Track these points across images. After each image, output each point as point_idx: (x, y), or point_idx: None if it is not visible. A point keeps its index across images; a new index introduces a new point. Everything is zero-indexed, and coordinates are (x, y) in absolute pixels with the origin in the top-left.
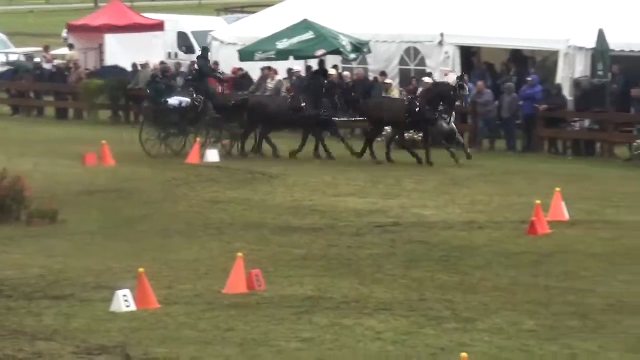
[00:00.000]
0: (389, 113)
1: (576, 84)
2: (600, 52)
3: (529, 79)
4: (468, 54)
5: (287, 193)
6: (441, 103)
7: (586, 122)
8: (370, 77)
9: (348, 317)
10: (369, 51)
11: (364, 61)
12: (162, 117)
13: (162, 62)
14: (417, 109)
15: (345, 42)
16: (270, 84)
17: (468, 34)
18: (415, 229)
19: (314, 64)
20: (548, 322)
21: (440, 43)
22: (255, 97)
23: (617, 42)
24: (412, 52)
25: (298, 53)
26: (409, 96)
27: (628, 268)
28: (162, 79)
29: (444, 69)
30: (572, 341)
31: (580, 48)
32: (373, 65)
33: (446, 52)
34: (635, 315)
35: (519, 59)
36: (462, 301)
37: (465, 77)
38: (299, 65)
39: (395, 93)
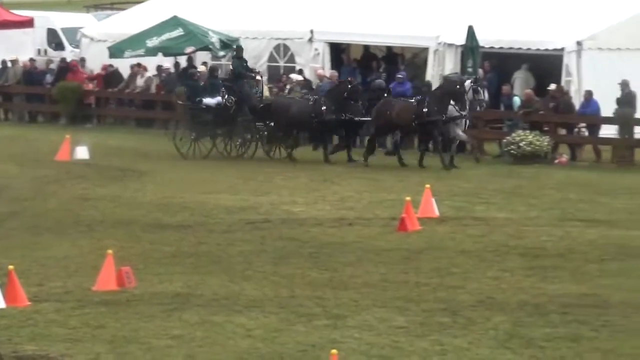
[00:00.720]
0: (397, 115)
1: (446, 80)
2: (470, 49)
3: (399, 76)
4: (338, 51)
5: (158, 190)
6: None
7: None
8: None
9: (218, 314)
10: None
11: None
12: (196, 117)
13: (31, 59)
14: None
15: (214, 39)
16: (140, 81)
17: (338, 31)
18: (285, 225)
19: (183, 61)
20: (418, 318)
21: (310, 40)
22: (279, 99)
23: (487, 38)
24: (282, 49)
25: (167, 50)
26: (418, 97)
27: (497, 265)
28: (197, 78)
29: (314, 66)
30: (443, 337)
31: (450, 45)
32: None
33: (316, 49)
34: (505, 312)
35: (389, 56)
36: (333, 298)
37: (481, 81)
38: (168, 62)
39: (265, 90)
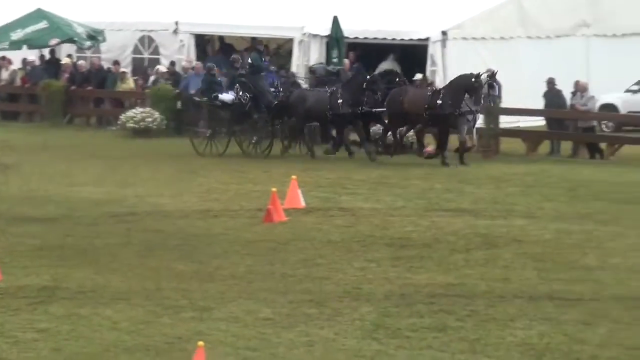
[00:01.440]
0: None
1: (311, 71)
2: (335, 40)
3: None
4: (203, 42)
5: (22, 183)
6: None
7: None
8: (105, 66)
9: (84, 307)
10: (104, 40)
11: (98, 50)
12: (212, 113)
13: None
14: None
15: (80, 31)
16: (4, 74)
17: (203, 22)
18: (151, 218)
19: (47, 53)
20: (285, 310)
21: (175, 31)
22: (298, 92)
23: (353, 29)
24: (147, 41)
25: (32, 43)
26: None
27: (363, 255)
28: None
29: (180, 57)
30: (309, 329)
31: (315, 35)
32: (107, 54)
33: (181, 41)
34: (371, 302)
35: (253, 46)
36: (199, 290)
37: (496, 76)
38: (33, 55)
39: (130, 82)
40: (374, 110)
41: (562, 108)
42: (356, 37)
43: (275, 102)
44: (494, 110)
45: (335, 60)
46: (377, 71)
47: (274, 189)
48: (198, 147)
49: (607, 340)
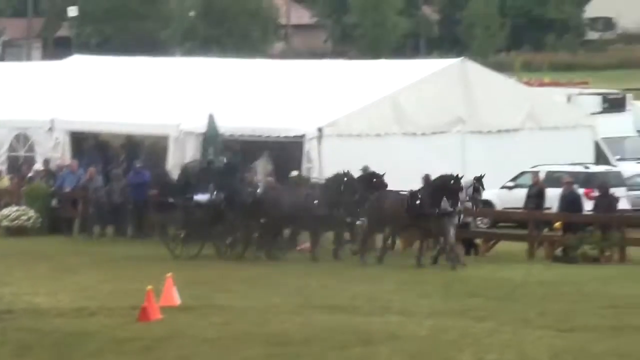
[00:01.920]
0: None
1: (186, 168)
2: (211, 137)
3: (137, 165)
4: (79, 140)
5: None
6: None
7: None
8: None
9: None
10: None
11: None
12: (186, 214)
13: None
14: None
15: None
16: None
17: (79, 120)
18: (27, 316)
19: None
20: None
21: (50, 129)
22: (270, 193)
23: (228, 126)
24: (22, 138)
25: None
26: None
27: (240, 352)
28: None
29: (55, 155)
30: None
31: (191, 133)
32: None
33: (57, 138)
34: None
35: (130, 144)
36: None
37: (482, 180)
38: None
39: (5, 181)
40: (348, 220)
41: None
42: (232, 134)
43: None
44: None
45: (211, 157)
46: (257, 168)
47: (149, 287)
48: (174, 250)
49: None
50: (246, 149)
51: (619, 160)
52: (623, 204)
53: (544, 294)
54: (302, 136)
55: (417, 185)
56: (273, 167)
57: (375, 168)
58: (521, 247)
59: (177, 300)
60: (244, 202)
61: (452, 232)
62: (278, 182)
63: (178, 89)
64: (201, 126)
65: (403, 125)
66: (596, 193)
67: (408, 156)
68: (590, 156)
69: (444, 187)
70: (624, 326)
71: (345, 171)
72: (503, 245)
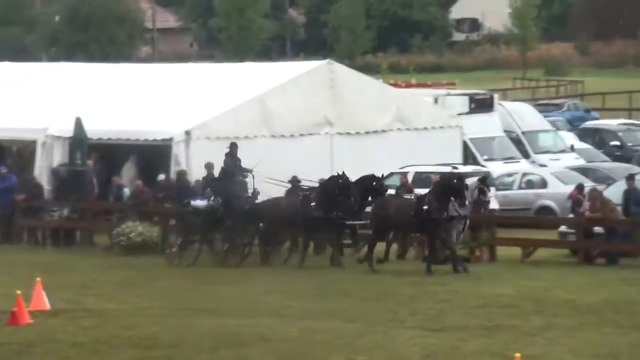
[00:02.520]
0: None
1: (54, 172)
2: (78, 141)
3: (3, 170)
4: None
5: None
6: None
7: (65, 211)
8: None
9: None
10: None
11: None
12: (184, 221)
13: None
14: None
15: None
16: None
17: None
18: None
19: None
20: None
21: None
22: (267, 202)
23: (95, 130)
24: None
25: None
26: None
27: (110, 357)
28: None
29: None
30: None
31: (58, 137)
32: None
33: None
34: None
35: None
36: None
37: (487, 181)
38: None
39: None
40: (347, 222)
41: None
42: (99, 138)
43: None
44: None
45: (78, 161)
46: (123, 172)
47: (18, 292)
48: (172, 259)
49: None
50: (116, 153)
51: (487, 160)
52: (492, 204)
53: (415, 294)
54: (170, 139)
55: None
56: (137, 170)
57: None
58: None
59: (47, 304)
60: (241, 208)
61: (454, 237)
62: (146, 186)
63: (45, 93)
64: (68, 130)
65: (271, 127)
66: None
67: (277, 158)
68: (458, 156)
69: (450, 189)
70: (494, 325)
71: (341, 173)
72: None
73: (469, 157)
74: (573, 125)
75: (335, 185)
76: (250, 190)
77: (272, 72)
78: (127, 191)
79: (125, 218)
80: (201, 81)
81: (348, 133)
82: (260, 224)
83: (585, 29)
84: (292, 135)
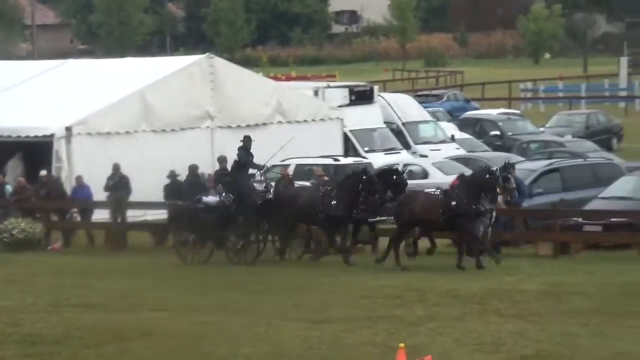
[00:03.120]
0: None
1: None
2: None
3: None
4: None
5: None
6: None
7: None
8: None
9: None
10: None
11: None
12: (194, 218)
13: None
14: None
15: None
16: None
17: None
18: None
19: None
20: None
21: None
22: (285, 191)
23: None
24: None
25: None
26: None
27: None
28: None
29: None
30: None
31: None
32: None
33: None
34: None
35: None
36: None
37: (512, 168)
38: None
39: None
40: (369, 220)
41: (184, 200)
42: None
43: (260, 202)
44: (122, 205)
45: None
46: (7, 168)
47: None
48: (186, 257)
49: None
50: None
51: (368, 151)
52: None
53: (300, 286)
54: (51, 135)
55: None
56: (23, 167)
57: (126, 166)
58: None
59: None
60: (254, 203)
61: (481, 231)
62: (29, 183)
63: None
64: None
65: (152, 122)
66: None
67: (158, 153)
68: (339, 148)
69: (482, 184)
70: (377, 316)
71: (363, 168)
72: None
73: (349, 148)
74: (453, 115)
75: (359, 181)
76: (263, 185)
77: (152, 67)
78: (9, 188)
79: (7, 215)
80: (82, 77)
81: (229, 126)
82: (277, 218)
83: (464, 20)
84: (172, 130)
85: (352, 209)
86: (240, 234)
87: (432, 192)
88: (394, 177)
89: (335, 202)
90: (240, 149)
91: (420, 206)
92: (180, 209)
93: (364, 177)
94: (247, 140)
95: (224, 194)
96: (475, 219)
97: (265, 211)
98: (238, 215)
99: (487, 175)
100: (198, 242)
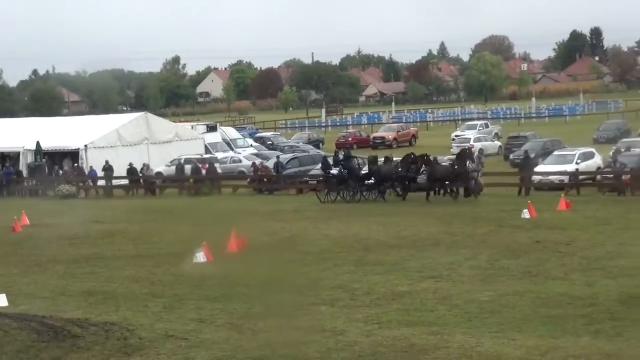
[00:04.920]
0: (442, 172)
1: None
2: None
3: None
4: None
5: None
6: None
7: None
8: None
9: None
10: None
11: None
12: (327, 180)
13: None
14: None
15: None
16: None
17: None
18: None
19: None
20: None
21: None
22: (376, 167)
23: None
24: None
25: None
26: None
27: None
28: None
29: None
30: None
31: None
32: None
33: None
34: None
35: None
36: None
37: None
38: None
39: None
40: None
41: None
42: None
43: (362, 174)
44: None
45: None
46: (64, 164)
47: None
48: (325, 201)
49: None
50: None
51: (216, 152)
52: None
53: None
54: (78, 148)
55: None
56: (70, 163)
57: (111, 162)
58: None
59: None
60: (357, 174)
61: (472, 183)
62: (71, 169)
63: None
64: None
65: (123, 140)
66: None
67: (126, 158)
68: (203, 151)
69: (466, 155)
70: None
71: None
72: None
73: (207, 151)
74: (251, 136)
75: (410, 159)
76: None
77: (119, 117)
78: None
79: (61, 182)
80: (87, 120)
81: (153, 143)
82: (371, 180)
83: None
84: (131, 145)
85: (407, 173)
86: (350, 189)
87: (444, 164)
88: (425, 157)
89: (400, 169)
90: (344, 149)
91: (440, 170)
92: (324, 176)
93: (412, 156)
94: (347, 151)
95: (341, 170)
96: (469, 175)
97: (363, 178)
98: (349, 180)
99: (467, 150)
100: (327, 193)
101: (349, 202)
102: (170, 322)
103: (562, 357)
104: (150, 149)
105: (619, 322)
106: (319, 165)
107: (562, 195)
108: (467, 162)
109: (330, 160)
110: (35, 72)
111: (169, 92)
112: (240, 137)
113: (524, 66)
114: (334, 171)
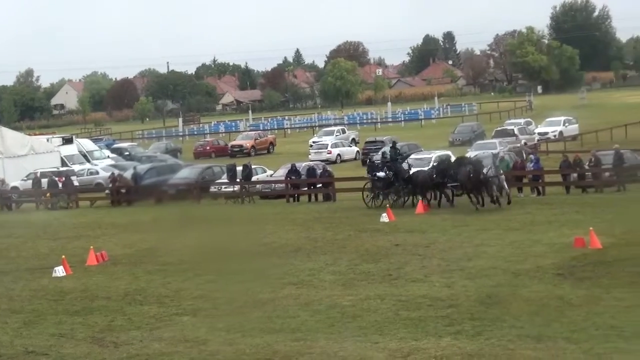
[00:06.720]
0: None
1: None
2: None
3: None
4: None
5: None
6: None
7: None
8: None
9: None
10: None
11: None
12: (374, 184)
13: None
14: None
15: None
16: None
17: None
18: None
19: None
20: None
21: None
22: (415, 173)
23: None
24: None
25: None
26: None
27: None
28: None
29: None
30: None
31: None
32: None
33: None
34: None
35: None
36: None
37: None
38: None
39: None
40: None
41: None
42: None
43: (407, 176)
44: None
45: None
46: None
47: None
48: (370, 204)
49: None
50: None
51: (72, 164)
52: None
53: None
54: None
55: None
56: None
57: None
58: None
59: None
60: (402, 177)
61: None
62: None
63: None
64: None
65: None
66: None
67: None
68: (59, 164)
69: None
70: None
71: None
72: None
73: (64, 164)
74: (109, 147)
75: (445, 165)
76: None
77: None
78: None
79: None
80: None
81: (8, 157)
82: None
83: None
84: None
85: (443, 179)
86: (396, 191)
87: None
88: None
89: (435, 175)
90: (390, 148)
91: (461, 174)
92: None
93: (446, 162)
94: (394, 143)
95: (387, 173)
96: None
97: (410, 180)
98: (395, 183)
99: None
100: (375, 197)
101: (392, 206)
102: (30, 337)
103: (424, 358)
104: (5, 163)
105: (478, 322)
106: (181, 174)
107: (420, 198)
108: (485, 169)
109: (385, 153)
110: None
111: (23, 105)
112: (97, 148)
113: (379, 71)
114: (381, 174)
